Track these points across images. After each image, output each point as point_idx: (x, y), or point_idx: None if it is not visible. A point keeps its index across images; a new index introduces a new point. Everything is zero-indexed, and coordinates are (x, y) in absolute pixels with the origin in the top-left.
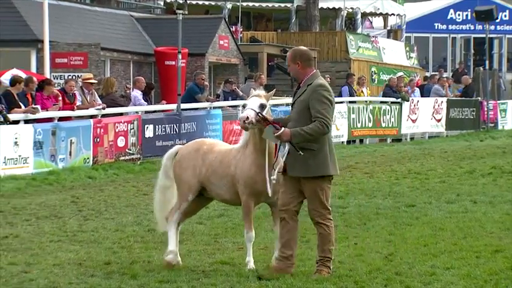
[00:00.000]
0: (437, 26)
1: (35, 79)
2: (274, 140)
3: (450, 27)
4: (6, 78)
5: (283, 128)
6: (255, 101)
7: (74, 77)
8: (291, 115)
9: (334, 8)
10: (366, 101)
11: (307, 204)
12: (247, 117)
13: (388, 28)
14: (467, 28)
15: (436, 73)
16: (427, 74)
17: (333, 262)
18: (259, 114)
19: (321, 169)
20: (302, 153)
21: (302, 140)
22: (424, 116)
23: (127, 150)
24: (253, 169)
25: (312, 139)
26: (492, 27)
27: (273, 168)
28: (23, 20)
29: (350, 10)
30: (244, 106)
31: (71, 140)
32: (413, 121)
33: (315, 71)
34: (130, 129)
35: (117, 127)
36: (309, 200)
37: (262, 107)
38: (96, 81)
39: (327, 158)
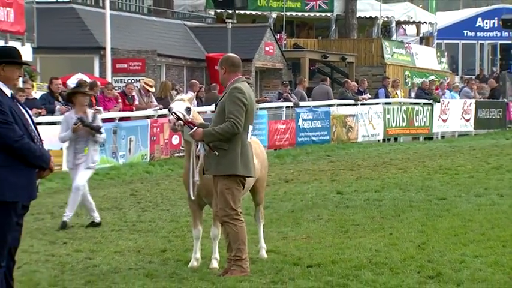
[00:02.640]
0: (466, 33)
1: (98, 83)
2: (190, 139)
3: (478, 34)
4: (72, 82)
5: (195, 128)
6: (181, 105)
7: (132, 81)
8: (213, 117)
9: (370, 17)
10: (400, 102)
11: (217, 203)
12: (178, 118)
13: (421, 35)
14: (494, 35)
15: (470, 76)
16: (457, 79)
17: (246, 261)
18: (174, 113)
19: (230, 168)
20: (217, 154)
21: (213, 140)
22: (454, 116)
23: (181, 147)
24: (184, 172)
25: (223, 139)
26: None
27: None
28: (87, 29)
29: (385, 19)
30: (169, 110)
31: (130, 138)
32: (444, 121)
33: (239, 76)
34: None
35: None
36: (218, 199)
37: (189, 110)
38: (154, 90)
39: (237, 158)
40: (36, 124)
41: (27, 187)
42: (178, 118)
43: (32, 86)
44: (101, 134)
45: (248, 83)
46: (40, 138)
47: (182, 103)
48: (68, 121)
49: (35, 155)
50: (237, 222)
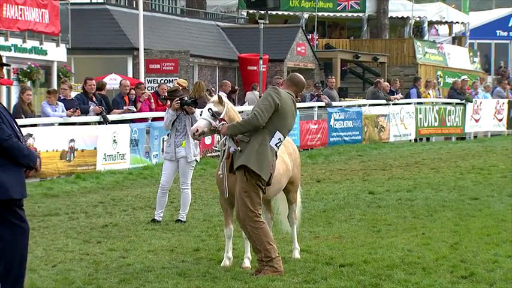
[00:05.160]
0: (499, 33)
1: (128, 83)
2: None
3: (511, 34)
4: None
5: (222, 123)
6: (207, 110)
7: (165, 81)
8: None
9: (402, 17)
10: (432, 102)
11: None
12: (197, 130)
13: (453, 35)
14: None
15: (499, 76)
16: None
17: (277, 260)
18: (209, 109)
19: (244, 160)
20: (240, 149)
21: (236, 132)
22: (487, 116)
23: (213, 147)
24: (216, 172)
25: (245, 130)
26: None
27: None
28: (121, 30)
29: (417, 19)
30: (201, 114)
31: (163, 138)
32: (477, 121)
33: (288, 90)
34: None
35: None
36: (237, 201)
37: (214, 115)
38: (186, 89)
39: (252, 153)
40: (20, 126)
41: (18, 185)
42: (213, 117)
43: (70, 87)
44: (197, 104)
45: (277, 83)
46: (24, 138)
47: (210, 105)
48: (167, 115)
49: (23, 154)
50: (256, 224)
